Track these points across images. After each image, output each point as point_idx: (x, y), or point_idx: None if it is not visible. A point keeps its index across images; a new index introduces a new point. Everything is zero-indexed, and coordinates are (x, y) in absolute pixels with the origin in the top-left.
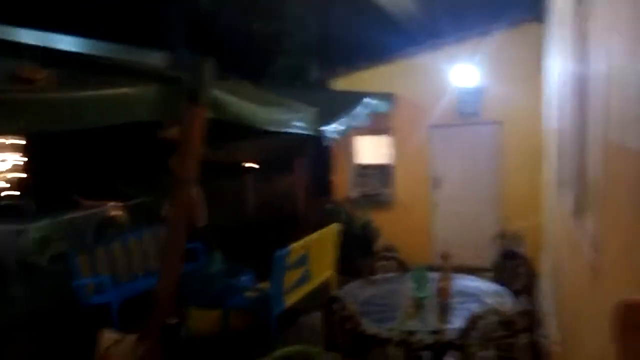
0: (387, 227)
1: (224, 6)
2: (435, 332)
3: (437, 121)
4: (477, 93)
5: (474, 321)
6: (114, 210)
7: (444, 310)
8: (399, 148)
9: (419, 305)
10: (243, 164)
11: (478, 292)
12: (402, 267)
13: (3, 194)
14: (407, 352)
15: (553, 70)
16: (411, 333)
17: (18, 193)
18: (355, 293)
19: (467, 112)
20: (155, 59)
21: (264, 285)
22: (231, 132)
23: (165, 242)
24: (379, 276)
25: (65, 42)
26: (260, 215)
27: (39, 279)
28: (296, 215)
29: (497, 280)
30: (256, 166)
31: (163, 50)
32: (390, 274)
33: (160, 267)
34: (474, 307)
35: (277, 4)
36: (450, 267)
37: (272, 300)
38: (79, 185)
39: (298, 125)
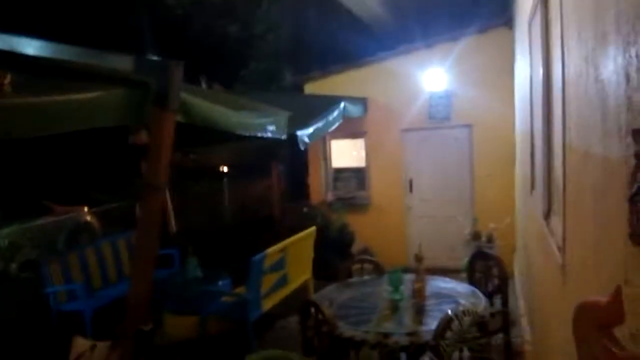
0: (363, 230)
1: (195, 10)
2: (410, 334)
3: (410, 125)
4: (447, 97)
5: (448, 322)
6: (86, 215)
7: (419, 312)
8: (373, 151)
9: (394, 307)
10: (218, 168)
11: (453, 293)
12: (378, 269)
13: None
14: (383, 355)
15: (522, 75)
16: (387, 335)
17: None
18: (331, 296)
19: (438, 116)
20: (122, 63)
21: (241, 290)
22: (205, 136)
23: (137, 247)
24: (355, 279)
25: (30, 46)
26: (236, 219)
27: (8, 287)
28: (272, 219)
29: (471, 281)
30: (231, 170)
31: (131, 55)
32: (367, 277)
33: (132, 272)
34: (449, 309)
35: (250, 7)
36: (425, 269)
37: (249, 305)
38: (49, 191)
39: (271, 129)
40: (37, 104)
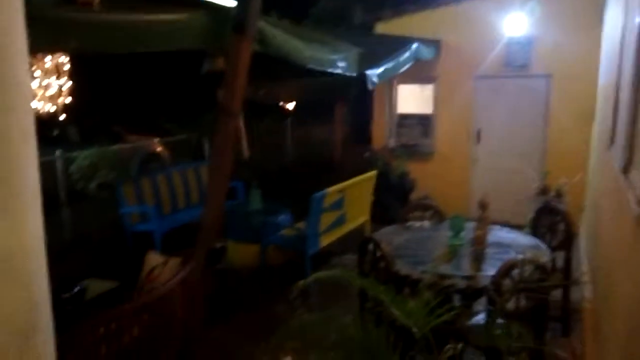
0: (425, 178)
1: None
2: (468, 278)
3: (484, 72)
4: (527, 43)
5: (508, 268)
6: (157, 145)
7: (478, 259)
8: (442, 98)
9: (453, 252)
10: (284, 105)
11: (514, 243)
12: (439, 215)
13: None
14: (438, 295)
15: (613, 23)
16: (444, 277)
17: (64, 118)
18: (389, 237)
19: (515, 64)
20: None
21: (301, 225)
22: (273, 70)
23: (211, 171)
24: (414, 222)
25: None
26: (298, 158)
27: (87, 205)
28: (333, 161)
29: (535, 235)
30: (296, 109)
31: None
32: (426, 222)
33: (207, 193)
34: (509, 258)
35: None
36: (488, 217)
37: (308, 240)
38: (121, 117)
39: (341, 65)
40: (125, 21)
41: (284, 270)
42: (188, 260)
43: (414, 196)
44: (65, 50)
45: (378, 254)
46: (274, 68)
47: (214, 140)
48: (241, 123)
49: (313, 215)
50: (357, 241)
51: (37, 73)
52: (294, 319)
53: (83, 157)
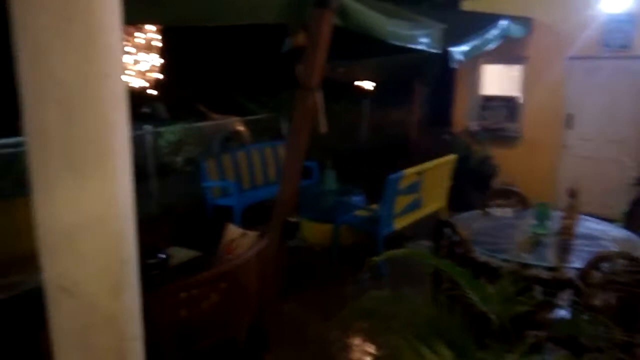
0: (508, 165)
1: None
2: (552, 269)
3: (578, 52)
4: (630, 21)
5: (599, 260)
6: (238, 124)
7: (564, 249)
8: (531, 80)
9: (537, 241)
10: (361, 84)
11: (605, 236)
12: (523, 202)
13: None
14: (518, 284)
15: None
16: (526, 266)
17: (153, 94)
18: (468, 223)
19: (615, 44)
20: None
21: (375, 207)
22: (352, 49)
23: (289, 146)
24: (495, 209)
25: None
26: (373, 139)
27: (174, 178)
28: (410, 143)
29: (629, 228)
30: (372, 88)
31: None
32: (508, 209)
33: (284, 167)
34: (600, 250)
35: None
36: (577, 206)
37: (381, 221)
38: (205, 95)
39: (424, 41)
40: None
41: (356, 251)
42: (264, 234)
43: (496, 183)
44: (149, 23)
45: (455, 238)
46: (353, 46)
47: (292, 117)
48: (320, 98)
49: (388, 197)
50: (432, 227)
51: (129, 48)
52: (365, 297)
53: (170, 132)
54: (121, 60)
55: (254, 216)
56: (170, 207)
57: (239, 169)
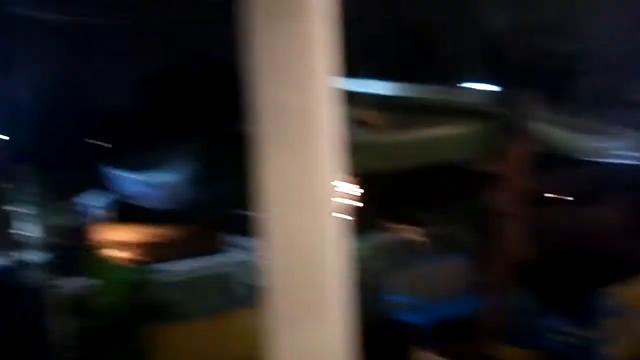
0: None
1: (511, 28)
2: None
3: None
4: None
5: None
6: (417, 235)
7: None
8: None
9: None
10: (545, 193)
11: None
12: None
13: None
14: None
15: None
16: None
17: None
18: None
19: None
20: (465, 95)
21: (581, 331)
22: (546, 163)
23: (490, 271)
24: None
25: (383, 87)
26: (567, 250)
27: (360, 290)
28: (615, 255)
29: None
30: (561, 196)
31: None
32: None
33: (484, 293)
34: None
35: (569, 21)
36: None
37: (592, 349)
38: (385, 207)
39: (619, 153)
40: (408, 140)
41: None
42: None
43: None
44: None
45: None
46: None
47: (487, 239)
48: (519, 225)
49: (600, 319)
50: None
51: None
52: None
53: (361, 245)
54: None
55: (442, 334)
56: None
57: (422, 283)
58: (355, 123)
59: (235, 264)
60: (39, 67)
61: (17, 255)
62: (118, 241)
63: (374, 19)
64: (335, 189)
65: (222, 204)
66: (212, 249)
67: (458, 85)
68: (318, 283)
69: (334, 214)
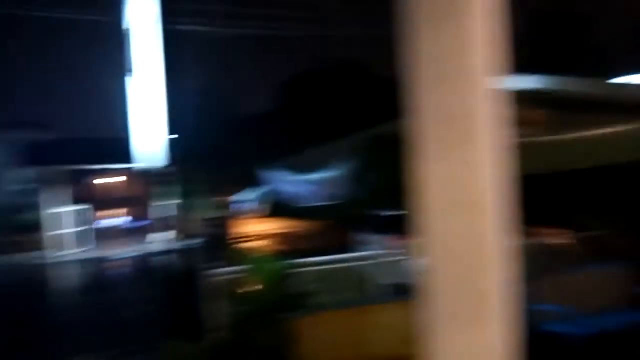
0: None
1: None
2: None
3: None
4: None
5: None
6: (570, 239)
7: None
8: None
9: None
10: None
11: None
12: None
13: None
14: None
15: None
16: None
17: None
18: None
19: None
20: (628, 90)
21: None
22: None
23: None
24: None
25: (539, 82)
26: None
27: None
28: None
29: None
30: None
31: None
32: None
33: None
34: None
35: None
36: None
37: None
38: (538, 210)
39: None
40: (577, 139)
41: None
42: None
43: None
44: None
45: None
46: None
47: None
48: None
49: None
50: None
51: None
52: None
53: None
54: None
55: (596, 348)
56: None
57: (573, 291)
58: (518, 122)
59: (371, 261)
60: (199, 76)
61: (179, 242)
62: (267, 234)
63: (523, 11)
64: (499, 191)
65: (372, 203)
66: (348, 246)
67: (614, 78)
68: (479, 287)
69: (497, 218)
